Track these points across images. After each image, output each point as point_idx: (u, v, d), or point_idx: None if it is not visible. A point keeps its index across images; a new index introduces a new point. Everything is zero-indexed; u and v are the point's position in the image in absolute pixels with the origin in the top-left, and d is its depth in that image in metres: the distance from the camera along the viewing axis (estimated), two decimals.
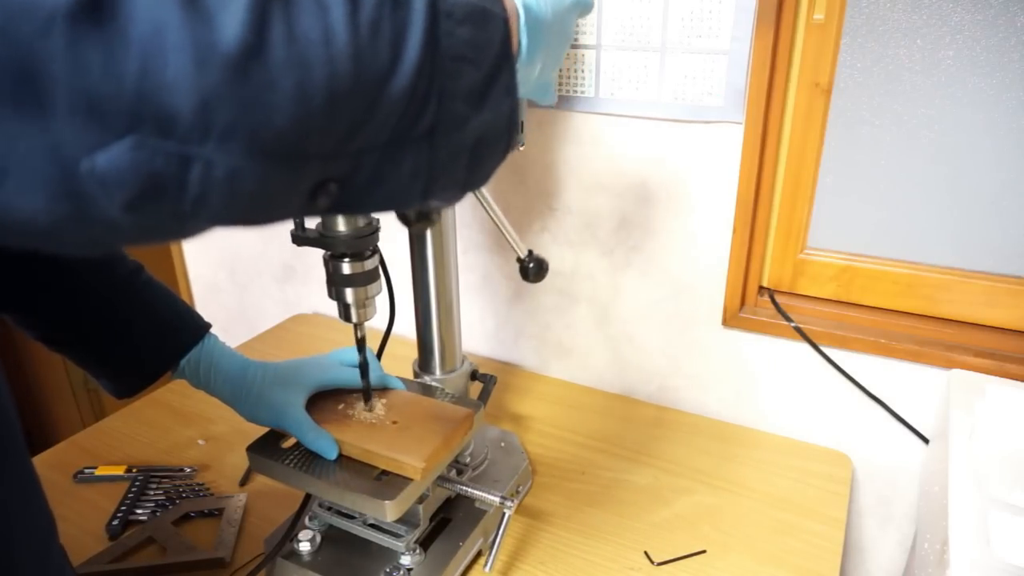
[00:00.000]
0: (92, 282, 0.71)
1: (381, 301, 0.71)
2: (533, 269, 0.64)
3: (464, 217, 1.19)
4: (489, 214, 0.64)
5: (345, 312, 0.68)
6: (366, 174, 0.35)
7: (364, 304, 0.68)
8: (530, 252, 0.64)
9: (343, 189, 0.35)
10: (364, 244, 0.65)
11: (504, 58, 0.39)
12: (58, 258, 0.69)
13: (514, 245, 0.64)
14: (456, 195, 0.42)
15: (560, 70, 1.01)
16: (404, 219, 0.59)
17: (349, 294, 0.67)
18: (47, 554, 0.52)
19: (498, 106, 0.39)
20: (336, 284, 0.66)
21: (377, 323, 0.72)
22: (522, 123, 0.77)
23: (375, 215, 0.64)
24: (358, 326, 0.69)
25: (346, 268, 0.65)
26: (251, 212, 0.32)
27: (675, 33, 0.92)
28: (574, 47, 0.99)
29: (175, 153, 0.27)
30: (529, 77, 0.50)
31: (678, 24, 0.92)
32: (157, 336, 0.73)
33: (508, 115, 0.40)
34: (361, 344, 0.70)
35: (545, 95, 0.57)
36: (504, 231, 0.64)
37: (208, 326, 0.76)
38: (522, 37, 0.45)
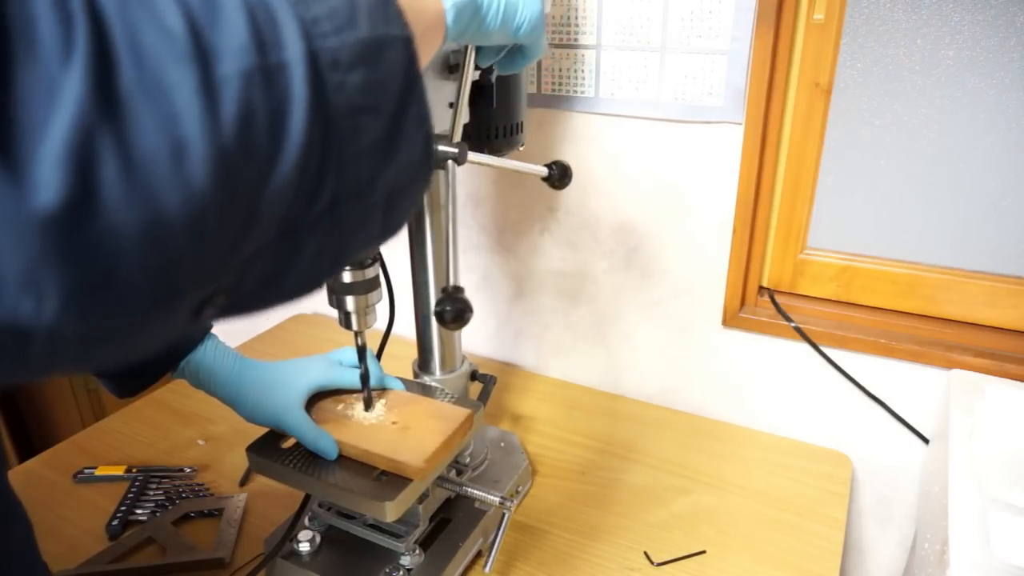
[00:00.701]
0: None
1: (381, 305, 0.70)
2: (450, 314, 0.50)
3: (464, 217, 1.19)
4: (447, 226, 0.60)
5: (346, 320, 0.68)
6: (258, 277, 0.30)
7: (365, 312, 0.68)
8: (456, 288, 0.51)
9: (233, 297, 0.30)
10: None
11: (410, 87, 0.33)
12: None
13: (450, 270, 0.56)
14: (374, 249, 0.39)
15: (559, 70, 1.01)
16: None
17: (350, 302, 0.67)
18: (29, 567, 0.52)
19: (410, 145, 0.34)
20: (337, 292, 0.66)
21: (377, 323, 0.72)
22: (522, 123, 0.77)
23: None
24: (359, 334, 0.69)
25: (347, 276, 0.65)
26: (116, 355, 0.28)
27: (675, 33, 0.92)
28: (574, 47, 0.99)
29: (7, 325, 0.22)
30: (488, 43, 0.50)
31: (678, 24, 0.92)
32: None
33: (423, 150, 0.35)
34: (362, 353, 0.70)
35: (532, 52, 0.54)
36: (449, 251, 0.57)
37: (209, 326, 0.76)
38: (447, 16, 0.43)
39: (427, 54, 0.41)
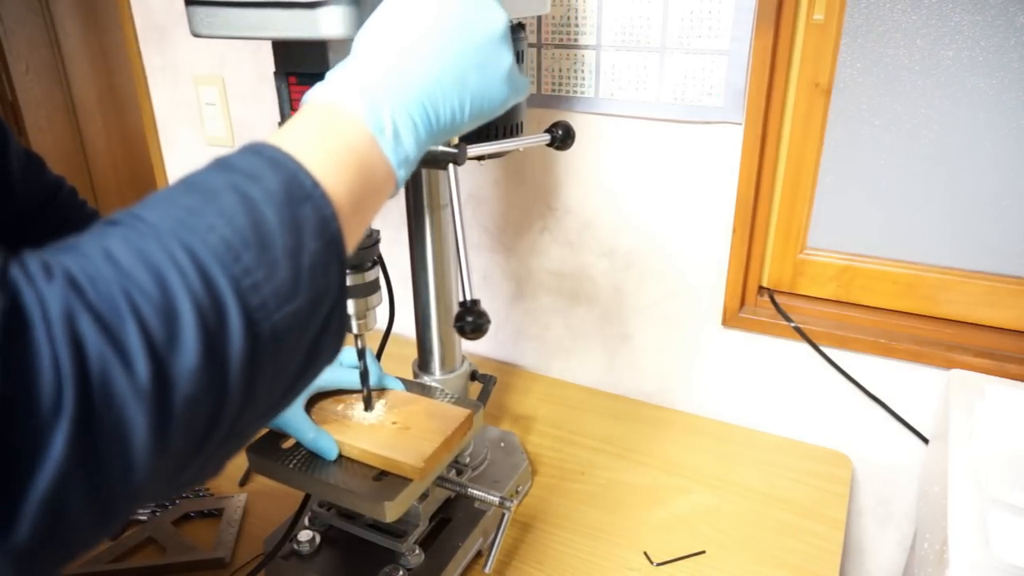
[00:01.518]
0: None
1: (380, 306, 0.70)
2: (471, 323, 0.53)
3: (464, 218, 1.19)
4: (457, 235, 0.60)
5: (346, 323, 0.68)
6: (182, 484, 0.35)
7: (364, 315, 0.68)
8: (475, 302, 0.54)
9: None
10: (365, 256, 0.65)
11: (333, 309, 0.38)
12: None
13: (464, 284, 0.57)
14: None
15: (559, 70, 1.01)
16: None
17: (350, 305, 0.67)
18: None
19: (325, 356, 0.39)
20: None
21: (377, 323, 0.72)
22: (521, 124, 0.77)
23: (374, 227, 0.64)
24: (359, 336, 0.69)
25: (347, 280, 0.65)
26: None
27: (675, 33, 0.92)
28: (574, 47, 0.99)
29: None
30: (455, 135, 0.48)
31: (678, 24, 0.92)
32: None
33: (334, 352, 0.40)
34: (361, 353, 0.70)
35: (516, 95, 0.52)
36: (461, 263, 0.58)
37: None
38: (399, 171, 0.43)
39: (377, 207, 0.43)
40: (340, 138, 0.40)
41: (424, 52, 0.44)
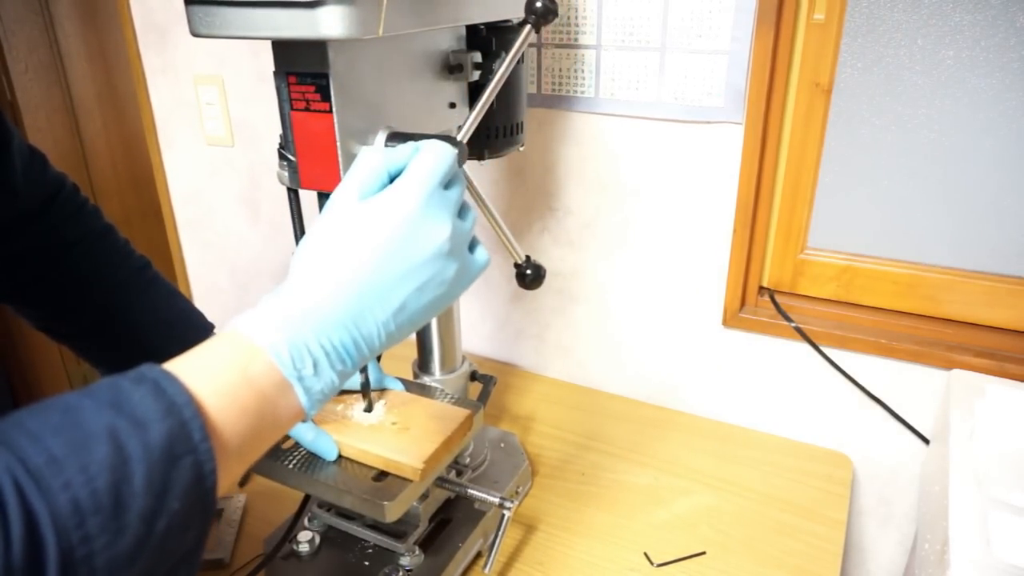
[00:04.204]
0: (96, 275, 0.71)
1: None
2: (531, 275, 0.63)
3: None
4: (487, 217, 0.63)
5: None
6: None
7: None
8: (528, 258, 0.63)
9: None
10: None
11: (184, 562, 0.37)
12: (53, 250, 0.69)
13: (512, 250, 0.63)
14: None
15: (559, 70, 1.01)
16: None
17: None
18: None
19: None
20: None
21: None
22: (522, 123, 0.77)
23: None
24: None
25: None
26: None
27: (675, 33, 0.92)
28: (574, 47, 0.99)
29: None
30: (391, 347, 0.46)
31: (678, 24, 0.92)
32: (161, 333, 0.73)
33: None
34: None
35: (471, 279, 0.49)
36: (502, 235, 0.63)
37: (211, 326, 0.76)
38: (311, 410, 0.42)
39: (275, 440, 0.42)
40: (253, 385, 0.39)
41: (360, 285, 0.43)
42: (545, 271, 0.64)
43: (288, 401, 0.41)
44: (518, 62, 0.72)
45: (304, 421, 0.43)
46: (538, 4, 0.57)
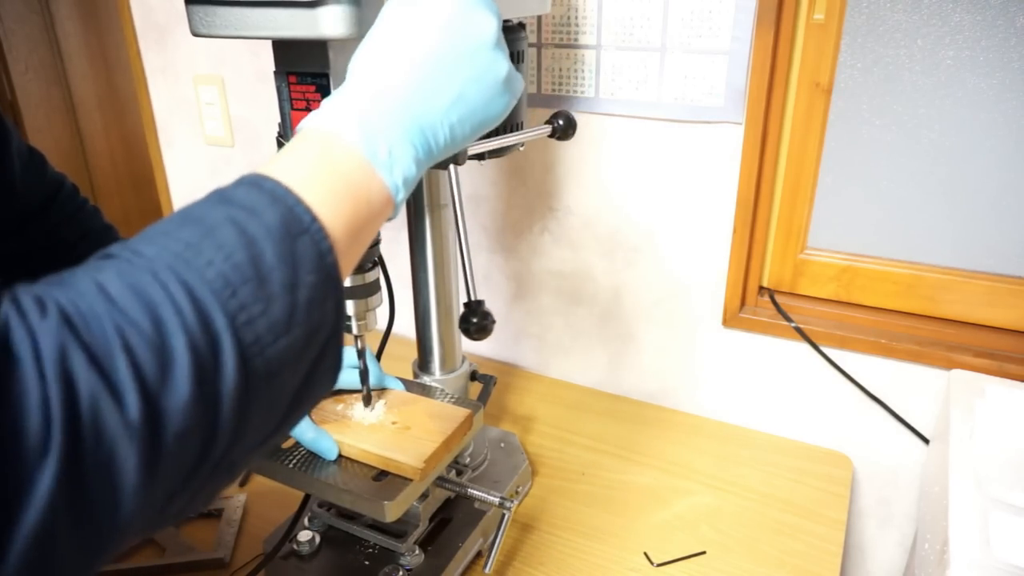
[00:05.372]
0: None
1: (380, 308, 0.70)
2: (476, 324, 0.54)
3: (465, 217, 1.19)
4: (460, 240, 0.61)
5: (345, 324, 0.68)
6: (172, 514, 0.34)
7: (365, 316, 0.68)
8: (480, 302, 0.55)
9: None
10: (365, 257, 0.65)
11: (329, 341, 0.38)
12: (52, 250, 0.69)
13: (468, 285, 0.58)
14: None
15: (559, 70, 1.01)
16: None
17: (350, 306, 0.67)
18: None
19: (319, 389, 0.39)
20: None
21: (377, 323, 0.71)
22: (522, 124, 0.77)
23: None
24: (359, 336, 0.69)
25: (347, 280, 0.65)
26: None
27: (675, 33, 0.92)
28: (574, 47, 0.99)
29: None
30: (458, 150, 0.48)
31: (678, 24, 0.92)
32: None
33: (328, 385, 0.40)
34: (361, 353, 0.70)
35: (514, 97, 0.51)
36: (464, 265, 0.59)
37: None
38: (397, 196, 0.43)
39: (375, 231, 0.43)
40: (337, 169, 0.40)
41: (418, 73, 0.44)
42: (494, 323, 0.55)
43: (374, 185, 0.41)
44: (519, 62, 0.72)
45: (392, 214, 0.44)
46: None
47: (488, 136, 0.74)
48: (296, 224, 0.36)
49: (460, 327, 0.54)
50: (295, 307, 0.35)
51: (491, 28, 0.47)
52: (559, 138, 0.73)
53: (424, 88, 0.44)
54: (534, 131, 0.72)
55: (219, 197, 0.36)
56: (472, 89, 0.46)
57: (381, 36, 0.46)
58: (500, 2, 0.67)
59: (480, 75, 0.46)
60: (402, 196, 0.43)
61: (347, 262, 0.40)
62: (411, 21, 0.45)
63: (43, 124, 1.38)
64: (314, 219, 0.37)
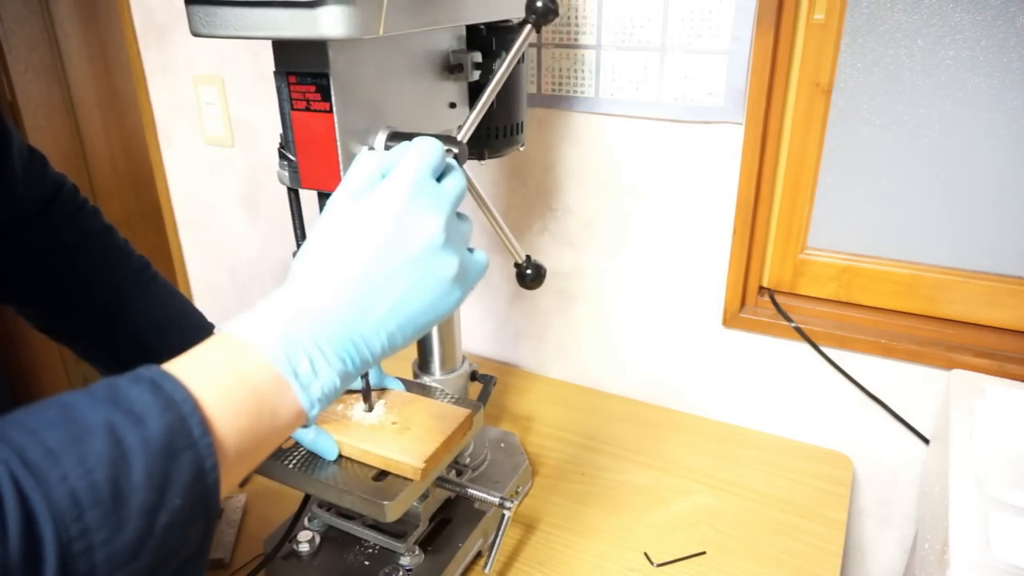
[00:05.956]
0: (96, 275, 0.71)
1: None
2: (531, 275, 0.63)
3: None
4: (488, 217, 0.63)
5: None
6: None
7: None
8: (528, 258, 0.63)
9: None
10: None
11: (193, 558, 0.37)
12: (52, 250, 0.69)
13: (512, 250, 0.63)
14: None
15: (559, 70, 1.01)
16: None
17: None
18: None
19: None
20: None
21: None
22: (522, 123, 0.77)
23: None
24: None
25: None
26: None
27: (675, 33, 0.92)
28: (574, 47, 0.99)
29: None
30: (394, 353, 0.46)
31: (678, 24, 0.92)
32: (161, 334, 0.73)
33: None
34: None
35: (469, 286, 0.49)
36: (502, 235, 0.63)
37: (211, 326, 0.76)
38: (312, 411, 0.41)
39: (278, 443, 0.42)
40: (246, 381, 0.39)
41: (353, 287, 0.43)
42: (546, 271, 0.64)
43: (286, 400, 0.40)
44: (518, 62, 0.72)
45: (306, 424, 0.43)
46: (538, 4, 0.57)
47: (488, 139, 0.74)
48: (183, 437, 0.35)
49: (518, 283, 0.63)
50: (148, 534, 0.33)
51: (436, 229, 0.45)
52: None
53: (356, 302, 0.43)
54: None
55: (110, 393, 0.35)
56: (413, 294, 0.44)
57: (321, 239, 0.44)
58: (500, 2, 0.67)
59: (422, 279, 0.44)
60: (317, 410, 0.42)
61: (238, 474, 0.39)
62: (353, 226, 0.44)
63: (43, 124, 1.38)
64: (205, 432, 0.35)
